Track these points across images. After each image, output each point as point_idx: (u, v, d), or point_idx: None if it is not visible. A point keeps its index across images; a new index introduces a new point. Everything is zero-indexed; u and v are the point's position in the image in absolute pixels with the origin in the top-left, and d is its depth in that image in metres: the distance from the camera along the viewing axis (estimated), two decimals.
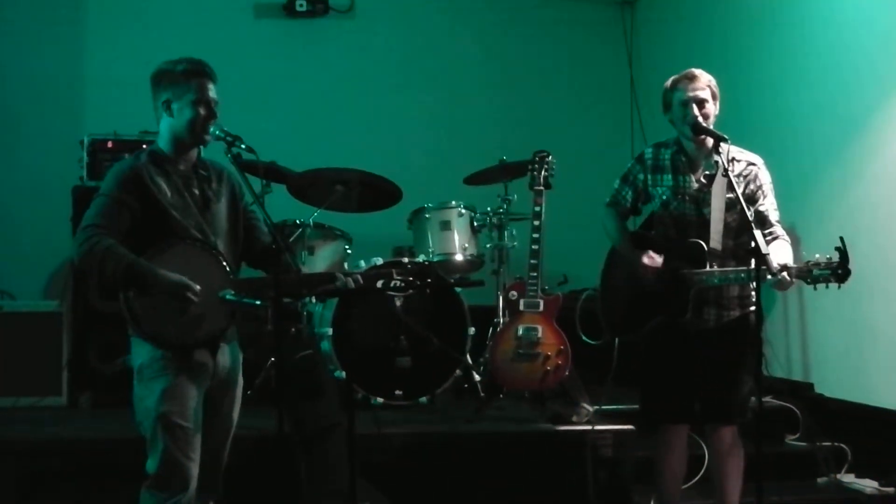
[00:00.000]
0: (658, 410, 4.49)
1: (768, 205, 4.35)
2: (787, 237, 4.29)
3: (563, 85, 7.99)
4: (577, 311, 6.06)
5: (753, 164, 4.36)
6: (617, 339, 5.19)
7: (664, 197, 4.41)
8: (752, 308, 4.35)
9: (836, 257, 3.97)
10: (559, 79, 8.01)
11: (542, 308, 5.34)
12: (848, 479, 5.40)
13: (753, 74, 6.59)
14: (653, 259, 4.34)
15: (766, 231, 4.31)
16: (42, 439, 4.89)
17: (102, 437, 4.91)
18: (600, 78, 8.07)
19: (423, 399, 5.62)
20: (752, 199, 4.33)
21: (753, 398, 4.35)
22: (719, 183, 4.29)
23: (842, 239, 3.94)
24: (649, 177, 4.45)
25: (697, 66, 4.41)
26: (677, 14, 7.70)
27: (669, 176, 4.41)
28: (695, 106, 4.27)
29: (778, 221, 4.34)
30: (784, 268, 4.01)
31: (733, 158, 4.31)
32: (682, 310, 4.26)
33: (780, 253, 4.14)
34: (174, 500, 3.57)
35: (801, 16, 6.20)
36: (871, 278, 5.38)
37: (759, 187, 4.34)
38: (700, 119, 4.26)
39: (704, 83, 4.32)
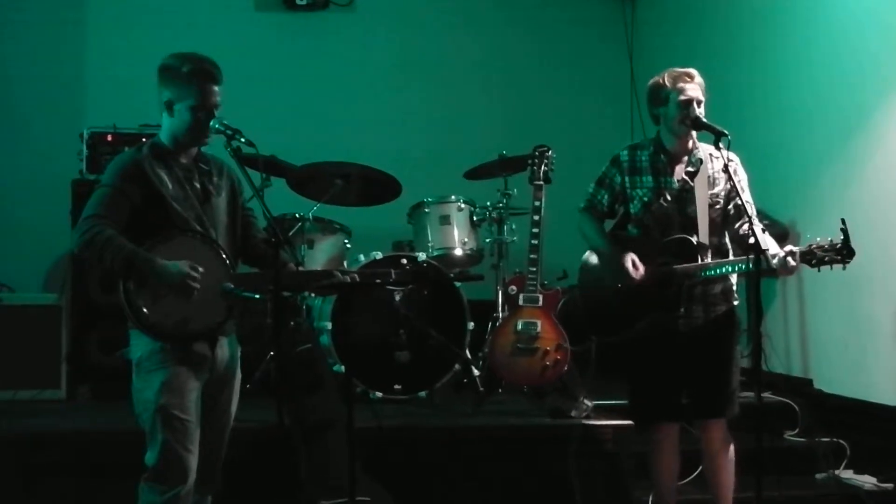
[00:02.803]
0: (648, 409, 4.50)
1: (746, 198, 4.35)
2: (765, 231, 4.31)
3: (564, 80, 7.98)
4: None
5: (731, 161, 4.37)
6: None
7: (645, 199, 4.41)
8: (737, 302, 4.44)
9: (838, 238, 3.99)
10: (560, 74, 8.00)
11: (541, 303, 5.35)
12: (847, 474, 5.40)
13: (755, 70, 6.59)
14: (637, 269, 4.32)
15: (748, 224, 4.33)
16: (41, 432, 4.90)
17: (101, 429, 4.92)
18: (601, 74, 8.06)
19: (422, 393, 5.63)
20: (731, 194, 4.37)
21: (751, 393, 4.36)
22: (702, 179, 4.33)
23: (843, 220, 3.98)
24: (627, 179, 4.45)
25: (699, 62, 4.43)
26: (678, 10, 7.70)
27: (650, 177, 4.42)
28: (695, 105, 4.30)
29: (754, 216, 4.34)
30: (789, 252, 4.03)
31: (710, 155, 4.37)
32: (675, 305, 4.28)
33: (769, 242, 4.16)
34: (173, 493, 3.57)
35: (803, 11, 6.20)
36: (871, 274, 5.38)
37: (738, 183, 4.35)
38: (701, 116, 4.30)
39: (699, 83, 4.36)
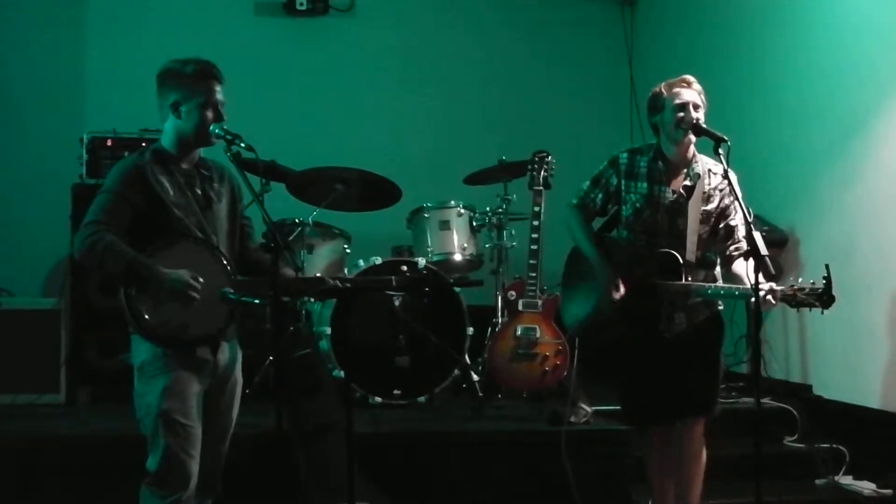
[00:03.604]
0: (639, 414, 4.51)
1: (739, 219, 4.36)
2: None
3: (563, 84, 7.98)
4: None
5: (727, 179, 4.37)
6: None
7: (637, 205, 4.40)
8: (721, 306, 4.46)
9: (820, 283, 4.01)
10: (559, 78, 8.00)
11: (540, 308, 5.34)
12: (846, 480, 5.41)
13: (754, 74, 6.60)
14: (620, 293, 4.30)
15: (735, 246, 4.37)
16: (40, 436, 4.89)
17: (100, 434, 4.91)
18: (600, 78, 8.07)
19: (422, 398, 5.63)
20: (724, 212, 4.37)
21: (750, 399, 4.37)
22: (697, 194, 4.33)
23: (827, 267, 4.01)
24: (623, 182, 4.44)
25: (698, 66, 4.46)
26: (678, 14, 7.71)
27: (644, 184, 4.40)
28: (691, 109, 4.29)
29: (744, 237, 4.34)
30: (770, 291, 4.03)
31: (709, 170, 4.37)
32: (657, 315, 4.29)
33: (750, 270, 4.15)
34: (174, 498, 3.57)
35: (802, 16, 6.21)
36: (870, 279, 5.39)
37: (732, 202, 4.36)
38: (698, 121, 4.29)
39: (697, 90, 4.35)
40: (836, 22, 5.90)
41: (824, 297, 4.02)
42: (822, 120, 5.95)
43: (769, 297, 4.04)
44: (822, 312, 4.07)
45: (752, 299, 3.93)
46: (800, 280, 4.10)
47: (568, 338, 5.22)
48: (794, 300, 4.07)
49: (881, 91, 5.51)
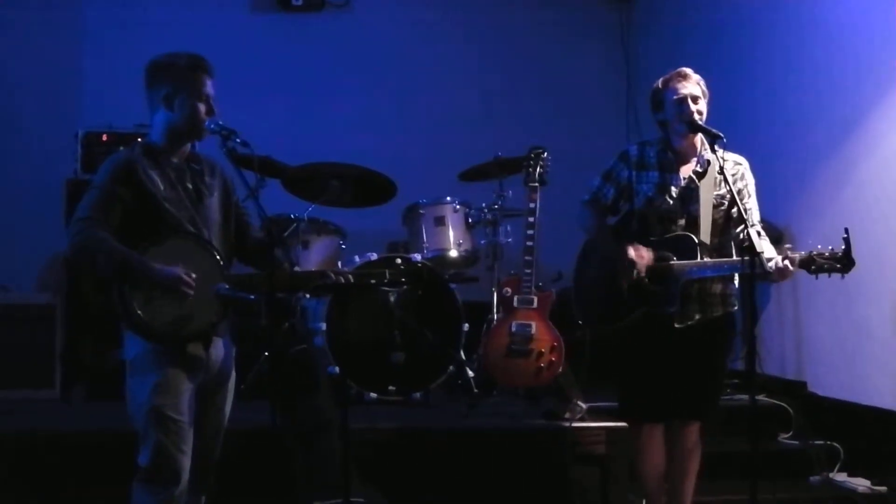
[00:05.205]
0: (638, 409, 4.49)
1: (751, 204, 4.36)
2: (765, 236, 4.30)
3: (560, 82, 7.98)
4: None
5: (740, 165, 4.39)
6: (590, 333, 5.20)
7: (649, 193, 4.40)
8: (735, 307, 4.42)
9: (839, 248, 3.99)
10: (556, 75, 8.00)
11: (535, 304, 5.35)
12: (840, 477, 5.41)
13: (750, 74, 6.60)
14: (640, 253, 4.28)
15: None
16: (34, 432, 4.88)
17: (95, 429, 4.90)
18: (597, 76, 8.07)
19: (417, 395, 5.62)
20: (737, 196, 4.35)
21: (745, 396, 4.37)
22: (709, 179, 4.32)
23: (846, 230, 3.98)
24: (634, 173, 4.43)
25: (693, 67, 4.42)
26: (674, 14, 7.70)
27: (656, 173, 4.41)
28: (690, 102, 4.28)
29: (758, 221, 4.34)
30: (787, 257, 4.02)
31: (721, 158, 4.35)
32: (669, 302, 4.26)
33: (767, 248, 4.15)
34: (166, 493, 3.56)
35: (797, 17, 6.21)
36: (864, 277, 5.36)
37: (745, 187, 4.37)
38: (696, 116, 4.28)
39: (696, 81, 4.35)
40: (830, 22, 5.90)
41: (844, 261, 4.00)
42: (819, 118, 5.96)
43: (786, 262, 4.02)
44: (843, 277, 4.03)
45: (770, 263, 3.95)
46: (818, 246, 4.07)
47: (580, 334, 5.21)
48: (814, 264, 4.04)
49: (877, 90, 5.51)
